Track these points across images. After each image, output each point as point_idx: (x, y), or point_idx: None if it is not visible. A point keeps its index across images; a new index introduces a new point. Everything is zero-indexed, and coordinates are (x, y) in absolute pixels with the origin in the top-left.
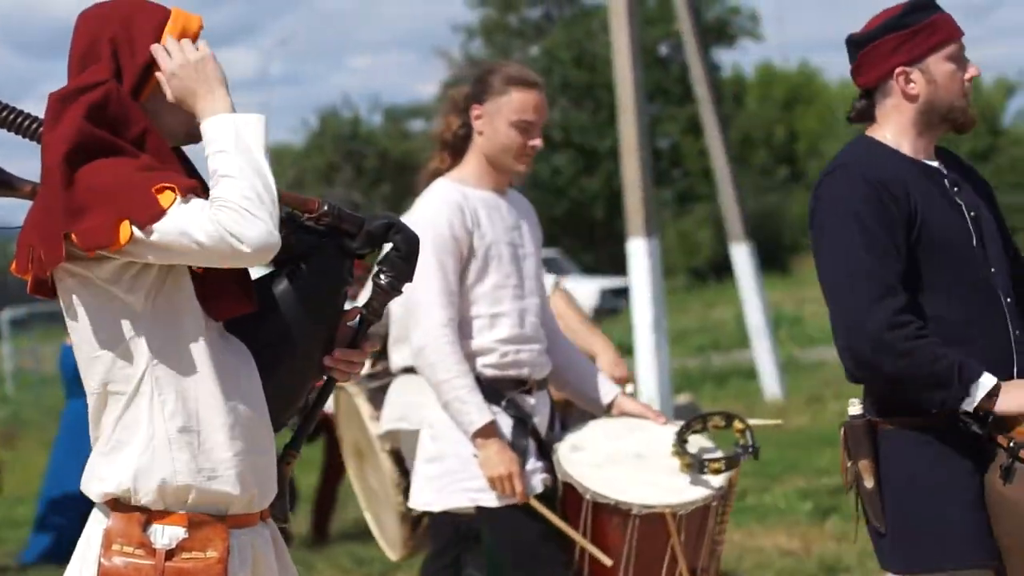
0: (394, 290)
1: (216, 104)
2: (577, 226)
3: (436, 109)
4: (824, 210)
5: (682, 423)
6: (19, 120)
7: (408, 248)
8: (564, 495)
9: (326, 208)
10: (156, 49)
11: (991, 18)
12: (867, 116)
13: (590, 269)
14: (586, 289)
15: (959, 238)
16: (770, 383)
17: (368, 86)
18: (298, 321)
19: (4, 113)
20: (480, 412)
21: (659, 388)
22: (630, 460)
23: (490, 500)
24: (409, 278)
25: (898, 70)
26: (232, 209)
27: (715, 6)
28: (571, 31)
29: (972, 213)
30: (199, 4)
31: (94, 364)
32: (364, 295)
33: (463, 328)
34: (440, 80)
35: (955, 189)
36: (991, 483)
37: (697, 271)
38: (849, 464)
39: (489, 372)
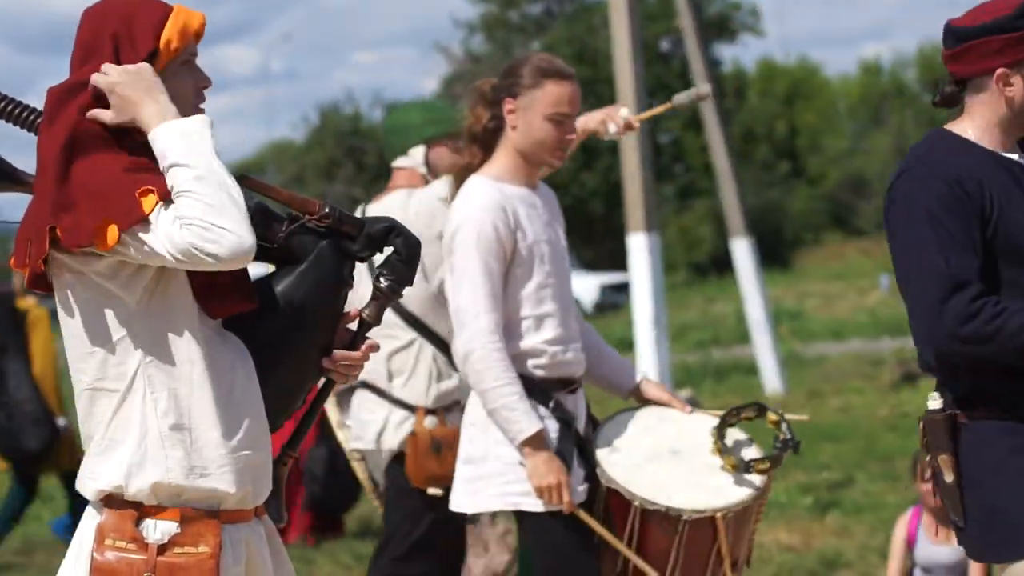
0: (394, 293)
1: (159, 113)
2: (577, 221)
3: None
4: (897, 209)
5: (715, 417)
6: (20, 112)
7: (409, 252)
8: (608, 500)
9: (327, 210)
10: (95, 75)
11: None
12: (953, 102)
13: (590, 265)
14: (586, 284)
15: None
16: (771, 378)
17: (369, 82)
18: (297, 322)
19: (5, 105)
20: (529, 420)
21: (659, 383)
22: (668, 457)
23: (533, 505)
24: (409, 282)
25: (1000, 71)
26: (197, 226)
27: (716, 2)
28: (572, 27)
29: None
30: (202, 1)
31: (87, 360)
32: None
33: (510, 330)
34: (441, 76)
35: None
36: None
37: (698, 266)
38: (927, 458)
39: (539, 373)
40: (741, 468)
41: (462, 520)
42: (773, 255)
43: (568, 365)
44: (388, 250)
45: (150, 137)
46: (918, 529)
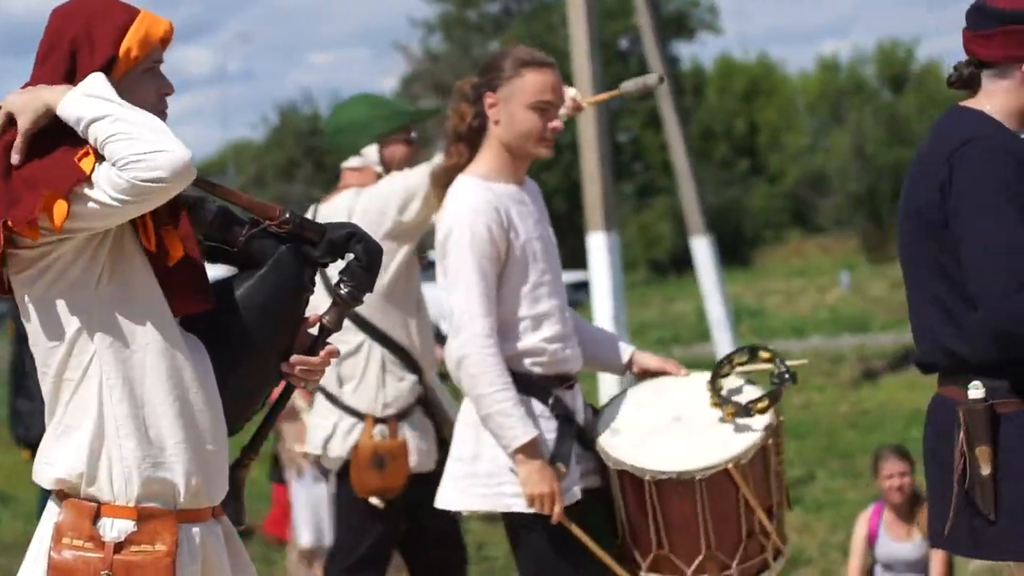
0: (355, 300)
1: (58, 91)
2: None
3: None
4: (966, 184)
5: (708, 373)
6: None
7: (369, 258)
8: (622, 483)
9: (287, 215)
10: None
11: (950, 9)
12: (970, 85)
13: None
14: None
15: None
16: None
17: (327, 82)
18: (257, 325)
19: None
20: (524, 427)
21: (620, 381)
22: (670, 425)
23: (526, 507)
24: (370, 288)
25: None
26: (132, 162)
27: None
28: (530, 26)
29: None
30: (157, 2)
31: (52, 354)
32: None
33: (508, 331)
34: (399, 75)
35: None
36: None
37: (658, 264)
38: (963, 450)
39: (538, 371)
40: (741, 413)
41: (422, 535)
42: (733, 253)
43: (566, 362)
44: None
45: (59, 112)
46: (879, 526)
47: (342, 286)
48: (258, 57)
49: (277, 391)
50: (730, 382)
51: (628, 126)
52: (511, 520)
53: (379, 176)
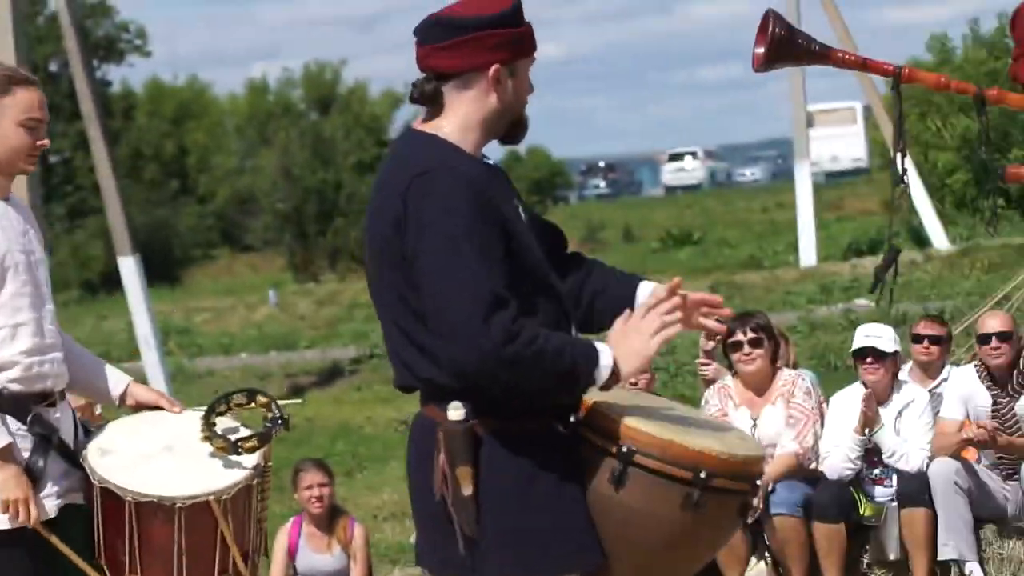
0: None
1: None
2: None
3: None
4: (422, 217)
5: (204, 408)
6: None
7: None
8: (104, 502)
9: None
10: None
11: (377, 31)
12: (432, 100)
13: None
14: None
15: (532, 242)
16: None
17: None
18: None
19: None
20: None
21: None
22: (161, 454)
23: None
24: None
25: (496, 67)
26: None
27: (103, 23)
28: None
29: (527, 214)
30: None
31: None
32: None
33: None
34: None
35: (515, 190)
36: (600, 490)
37: (90, 284)
38: (447, 471)
39: (14, 387)
40: (231, 450)
41: None
42: (163, 272)
43: (44, 377)
44: None
45: None
46: (299, 538)
47: None
48: None
49: None
50: (225, 421)
51: (59, 148)
52: None
53: None
